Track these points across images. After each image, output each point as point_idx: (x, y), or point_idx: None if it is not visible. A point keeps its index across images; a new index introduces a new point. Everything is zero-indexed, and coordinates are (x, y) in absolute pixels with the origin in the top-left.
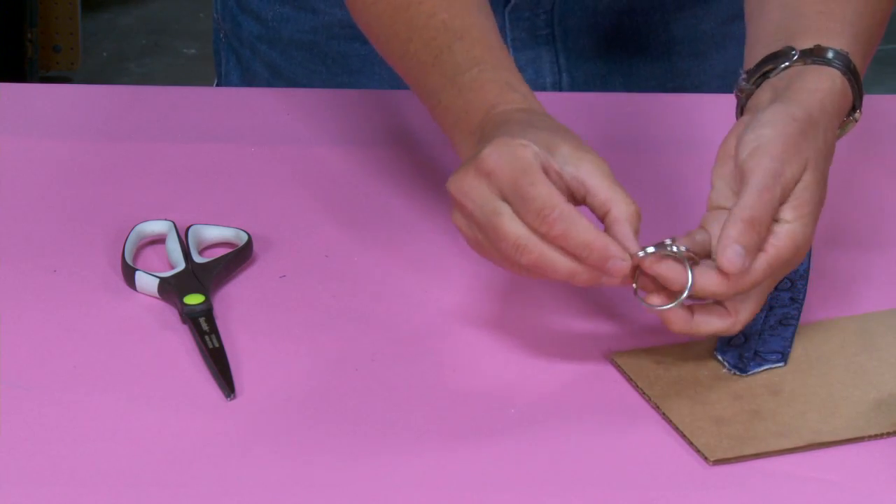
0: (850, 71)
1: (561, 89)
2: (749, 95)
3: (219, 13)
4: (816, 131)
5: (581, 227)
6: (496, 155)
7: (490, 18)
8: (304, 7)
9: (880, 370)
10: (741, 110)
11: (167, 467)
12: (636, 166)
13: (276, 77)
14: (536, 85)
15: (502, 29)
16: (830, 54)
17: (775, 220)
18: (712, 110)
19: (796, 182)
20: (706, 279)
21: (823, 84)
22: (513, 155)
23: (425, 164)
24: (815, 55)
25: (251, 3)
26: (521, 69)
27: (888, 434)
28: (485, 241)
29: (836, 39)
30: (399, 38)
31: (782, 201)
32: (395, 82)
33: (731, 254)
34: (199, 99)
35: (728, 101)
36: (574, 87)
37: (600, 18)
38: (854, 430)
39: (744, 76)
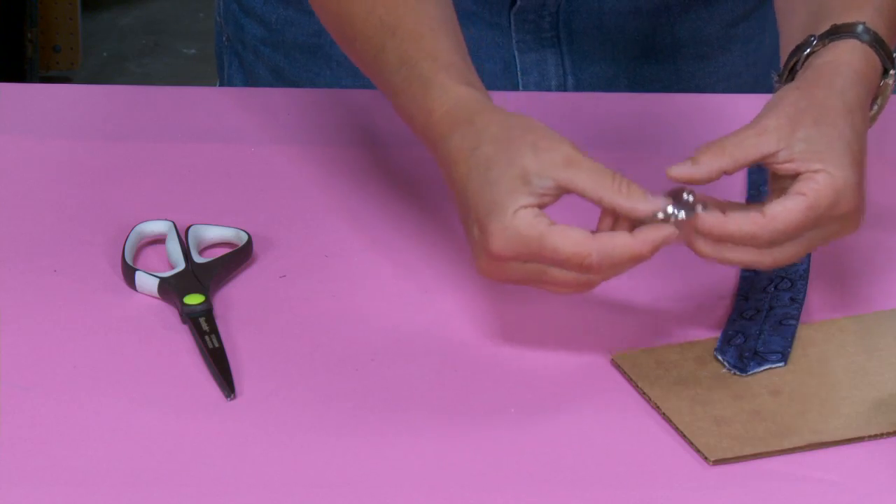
0: (872, 38)
1: (566, 91)
2: None
3: (221, 16)
4: (817, 94)
5: (619, 246)
6: (502, 242)
7: (436, 3)
8: (307, 10)
9: (880, 370)
10: None
11: (167, 467)
12: (641, 167)
13: (280, 80)
14: (541, 87)
15: (507, 31)
16: (847, 28)
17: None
18: (717, 112)
19: (788, 134)
20: (743, 219)
21: (837, 55)
22: (517, 235)
23: (426, 164)
24: (832, 34)
25: (254, 6)
26: (525, 71)
27: (888, 434)
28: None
29: (856, 14)
30: (346, 37)
31: (769, 152)
32: None
33: (677, 164)
34: (200, 99)
35: (733, 102)
36: (579, 88)
37: (605, 20)
38: (854, 430)
39: (776, 78)
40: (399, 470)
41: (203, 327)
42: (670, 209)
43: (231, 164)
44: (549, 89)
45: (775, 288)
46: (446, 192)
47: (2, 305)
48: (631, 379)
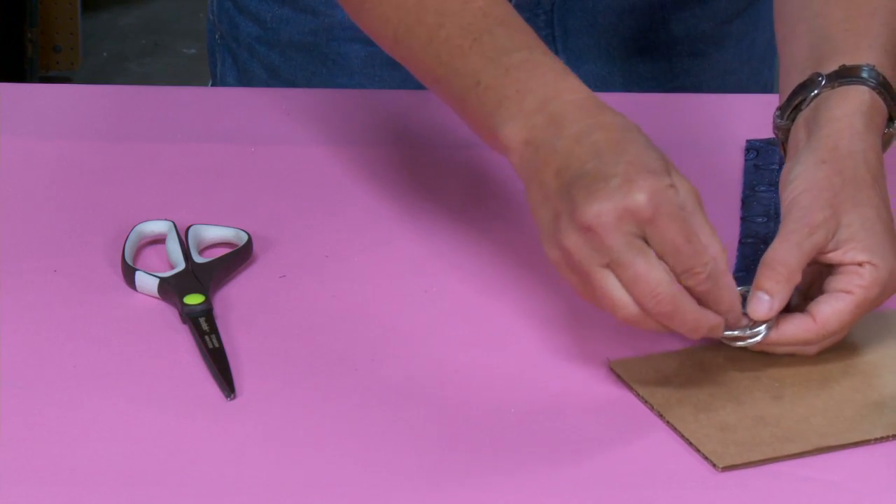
0: (879, 83)
1: None
2: (786, 132)
3: (214, 14)
4: (847, 165)
5: (727, 285)
6: (653, 202)
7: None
8: (303, 9)
9: (879, 372)
10: (783, 149)
11: (167, 467)
12: None
13: (275, 78)
14: None
15: None
16: (856, 71)
17: (853, 264)
18: (712, 110)
19: (835, 225)
20: (797, 329)
21: (850, 106)
22: (669, 202)
23: (426, 164)
24: (840, 76)
25: (249, 4)
26: None
27: (892, 437)
28: (594, 282)
29: (864, 54)
30: (426, 24)
31: (822, 246)
32: (395, 84)
33: (754, 302)
34: (200, 99)
35: (727, 100)
36: None
37: (599, 19)
38: (859, 433)
39: (777, 113)
40: (399, 470)
41: (203, 327)
42: (747, 332)
43: (231, 164)
44: None
45: None
46: (447, 192)
47: (2, 305)
48: (631, 386)
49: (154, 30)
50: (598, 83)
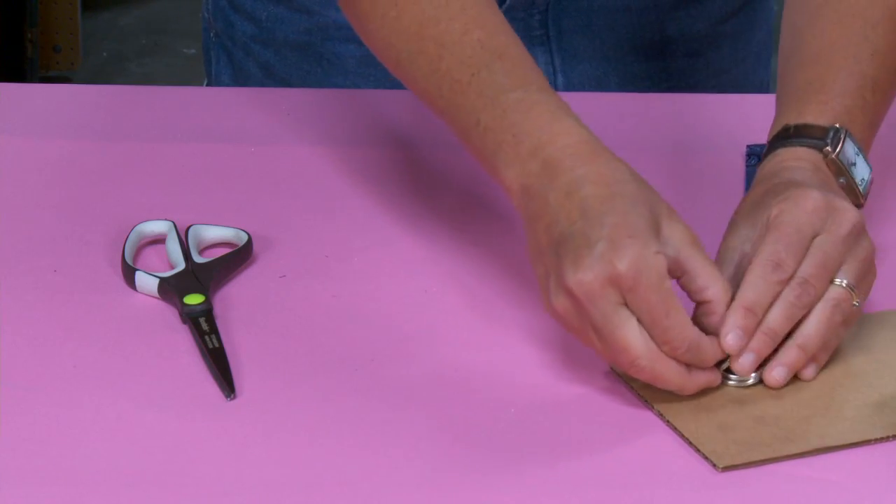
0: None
1: (556, 90)
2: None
3: (209, 12)
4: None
5: (710, 353)
6: (634, 270)
7: (519, 40)
8: (298, 8)
9: (879, 372)
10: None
11: (167, 467)
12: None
13: (270, 77)
14: None
15: None
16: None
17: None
18: (708, 110)
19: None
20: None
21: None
22: (651, 272)
23: (426, 163)
24: (793, 136)
25: (245, 3)
26: None
27: (892, 437)
28: (594, 338)
29: (833, 110)
30: (427, 54)
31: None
32: (390, 84)
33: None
34: (200, 99)
35: (722, 100)
36: (569, 87)
37: (594, 19)
38: (859, 433)
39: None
40: (399, 470)
41: (203, 327)
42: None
43: (231, 164)
44: None
45: None
46: (446, 191)
47: (2, 305)
48: (631, 387)
49: (154, 30)
50: (593, 83)
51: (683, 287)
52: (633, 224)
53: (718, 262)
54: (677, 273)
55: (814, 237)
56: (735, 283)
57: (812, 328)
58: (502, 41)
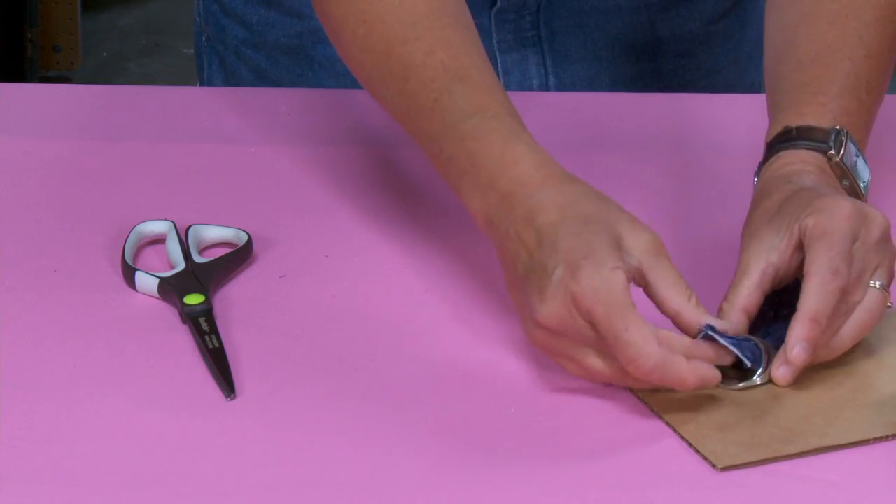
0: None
1: (548, 91)
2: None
3: (201, 16)
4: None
5: (675, 368)
6: (590, 289)
7: (484, 54)
8: (289, 12)
9: (879, 372)
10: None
11: (167, 467)
12: (623, 166)
13: (262, 81)
14: (523, 87)
15: (488, 31)
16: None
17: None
18: (699, 110)
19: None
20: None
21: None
22: (605, 288)
23: (425, 163)
24: (795, 138)
25: (236, 7)
26: (507, 71)
27: (892, 437)
28: (570, 365)
29: (828, 111)
30: (394, 75)
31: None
32: None
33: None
34: (200, 99)
35: (714, 100)
36: (561, 88)
37: (586, 19)
38: (859, 433)
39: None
40: (399, 470)
41: (203, 327)
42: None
43: (231, 164)
44: (530, 89)
45: (775, 315)
46: (446, 191)
47: (2, 305)
48: (631, 389)
49: (154, 30)
50: (585, 84)
51: (650, 297)
52: (587, 244)
53: (740, 271)
54: (641, 283)
55: (854, 244)
56: (761, 292)
57: (848, 334)
58: (465, 62)
